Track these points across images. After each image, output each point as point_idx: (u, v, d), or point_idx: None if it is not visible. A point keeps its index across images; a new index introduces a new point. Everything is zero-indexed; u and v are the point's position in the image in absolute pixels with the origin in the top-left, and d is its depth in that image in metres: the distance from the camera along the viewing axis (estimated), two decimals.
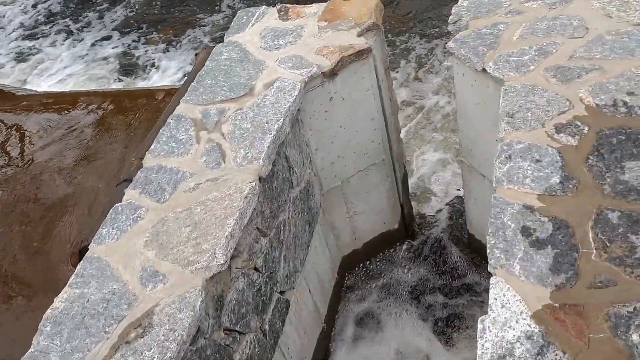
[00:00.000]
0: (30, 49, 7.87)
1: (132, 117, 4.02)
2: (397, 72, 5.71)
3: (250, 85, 2.91)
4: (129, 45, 7.38)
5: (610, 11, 2.76)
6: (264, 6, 3.54)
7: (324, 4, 3.38)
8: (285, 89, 2.83)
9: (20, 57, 7.74)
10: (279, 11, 3.43)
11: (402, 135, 3.88)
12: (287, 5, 3.47)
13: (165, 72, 6.59)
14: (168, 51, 6.99)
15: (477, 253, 3.84)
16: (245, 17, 3.48)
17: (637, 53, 2.48)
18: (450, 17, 3.04)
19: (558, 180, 2.08)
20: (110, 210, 2.43)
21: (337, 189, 3.43)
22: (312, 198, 3.18)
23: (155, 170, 2.57)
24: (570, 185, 2.05)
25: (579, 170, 2.09)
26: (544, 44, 2.68)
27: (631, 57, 2.48)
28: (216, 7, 7.62)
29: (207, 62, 3.18)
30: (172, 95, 3.46)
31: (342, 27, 3.15)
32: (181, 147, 2.67)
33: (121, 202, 2.47)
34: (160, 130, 2.81)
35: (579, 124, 2.26)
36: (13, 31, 8.38)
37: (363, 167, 3.44)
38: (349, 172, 3.41)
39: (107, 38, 7.67)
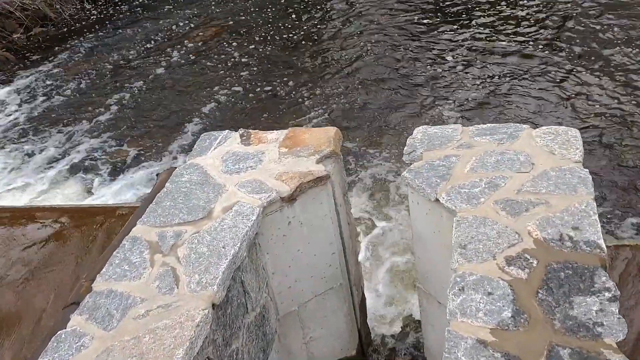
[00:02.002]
0: None
1: (88, 234, 3.95)
2: (355, 196, 5.85)
3: (208, 209, 2.93)
4: (90, 159, 7.43)
5: (553, 148, 2.93)
6: (227, 130, 3.65)
7: (285, 131, 3.51)
8: (243, 213, 2.85)
9: None
10: (241, 136, 3.54)
11: (359, 258, 3.89)
12: (250, 130, 3.59)
13: (125, 190, 6.60)
14: (130, 168, 7.06)
15: None
16: (208, 141, 3.57)
17: (579, 189, 2.62)
18: (405, 148, 3.19)
19: (510, 314, 2.09)
20: (53, 338, 2.31)
21: (293, 313, 3.37)
22: (267, 323, 3.11)
23: (105, 295, 2.50)
24: (522, 320, 2.07)
25: (530, 304, 2.12)
26: (494, 177, 2.81)
27: (574, 192, 2.61)
28: (183, 128, 7.82)
29: (167, 184, 3.21)
30: (133, 213, 3.45)
31: (302, 154, 3.25)
32: (134, 270, 2.61)
33: (65, 328, 2.37)
34: (114, 252, 2.76)
35: (528, 257, 2.32)
36: None
37: (320, 291, 3.41)
38: (306, 296, 3.37)
39: (67, 152, 7.72)
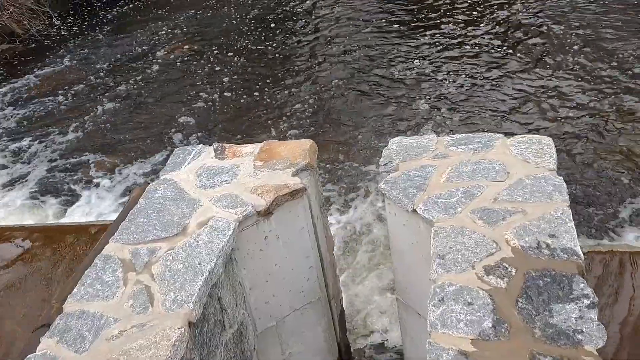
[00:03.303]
0: None
1: (59, 254, 3.86)
2: (332, 208, 5.82)
3: (183, 224, 2.87)
4: (62, 175, 7.28)
5: (527, 157, 2.95)
6: (200, 145, 3.60)
7: (260, 144, 3.47)
8: (219, 228, 2.80)
9: None
10: (216, 150, 3.49)
11: (338, 271, 3.86)
12: (224, 144, 3.55)
13: (97, 207, 6.47)
14: (102, 185, 6.93)
15: None
16: (181, 155, 3.51)
17: (555, 197, 2.63)
18: (381, 159, 3.18)
19: (490, 324, 2.08)
20: None
21: (271, 329, 3.32)
22: (245, 340, 3.05)
23: (77, 316, 2.42)
24: (502, 329, 2.06)
25: (510, 313, 2.11)
26: (470, 186, 2.82)
27: (549, 200, 2.62)
28: (157, 142, 7.71)
29: (140, 200, 3.15)
30: (105, 230, 3.38)
31: (277, 167, 3.22)
32: (107, 289, 2.54)
33: (35, 352, 2.29)
34: (86, 272, 2.68)
35: (506, 265, 2.32)
36: None
37: (298, 306, 3.37)
38: (284, 311, 3.32)
39: (34, 169, 7.55)
